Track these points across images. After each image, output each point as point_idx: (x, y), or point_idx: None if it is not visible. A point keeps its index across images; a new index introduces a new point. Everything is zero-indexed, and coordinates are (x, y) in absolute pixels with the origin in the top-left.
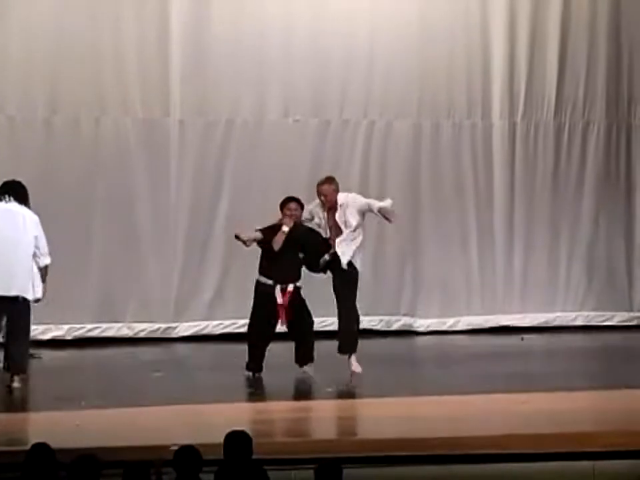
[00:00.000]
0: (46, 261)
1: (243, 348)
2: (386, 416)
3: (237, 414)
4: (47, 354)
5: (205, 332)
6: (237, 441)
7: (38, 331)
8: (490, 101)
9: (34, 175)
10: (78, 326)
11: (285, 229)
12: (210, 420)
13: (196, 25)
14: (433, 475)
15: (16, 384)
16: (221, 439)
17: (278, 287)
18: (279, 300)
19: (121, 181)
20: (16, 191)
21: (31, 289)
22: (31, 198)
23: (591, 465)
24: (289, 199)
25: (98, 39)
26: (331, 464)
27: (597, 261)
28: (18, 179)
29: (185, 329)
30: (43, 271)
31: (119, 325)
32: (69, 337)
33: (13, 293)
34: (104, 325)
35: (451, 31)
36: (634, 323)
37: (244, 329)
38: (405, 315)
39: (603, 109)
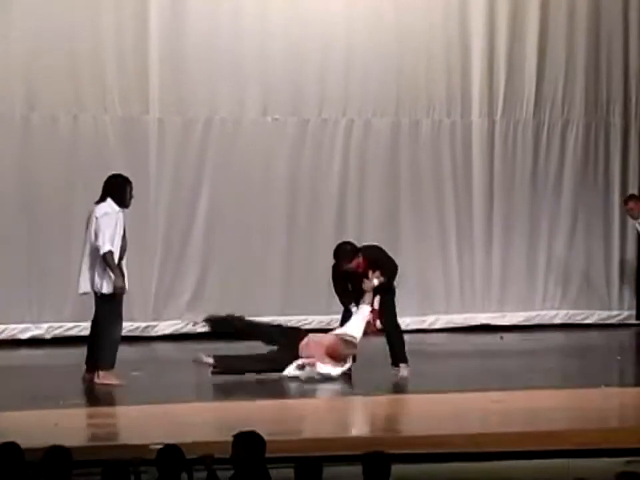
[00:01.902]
0: (101, 250)
1: (221, 346)
2: (363, 414)
3: (216, 413)
4: (25, 353)
5: (184, 330)
6: (251, 441)
7: (17, 330)
8: (469, 99)
9: (12, 172)
10: (57, 325)
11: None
12: (188, 419)
13: (174, 23)
14: (407, 474)
15: (98, 379)
16: (199, 438)
17: None
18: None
19: (100, 178)
20: (103, 188)
21: (89, 284)
22: (8, 195)
23: (566, 462)
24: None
25: (76, 36)
26: (311, 462)
27: (575, 260)
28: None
29: (164, 327)
30: (105, 262)
31: None
32: (48, 336)
33: (79, 291)
34: (83, 324)
35: (429, 29)
36: (612, 321)
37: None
38: None
39: (582, 107)
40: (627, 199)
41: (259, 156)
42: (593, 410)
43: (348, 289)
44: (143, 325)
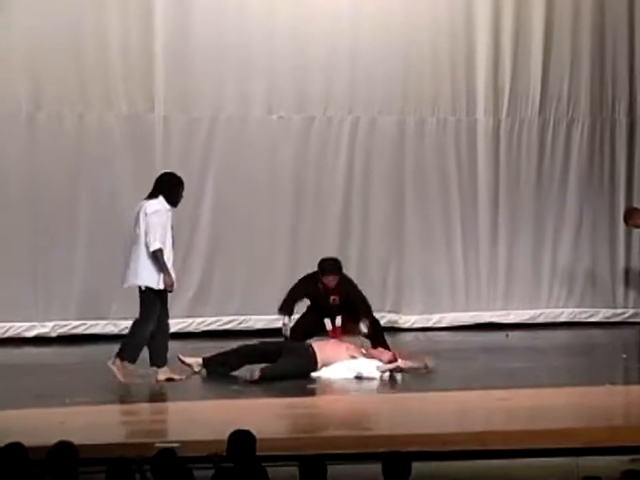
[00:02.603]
0: (151, 247)
1: (226, 345)
2: (368, 413)
3: (222, 411)
4: (31, 351)
5: (188, 329)
6: (242, 440)
7: (23, 328)
8: (474, 98)
9: (18, 170)
10: (63, 323)
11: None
12: (193, 417)
13: (180, 20)
14: (413, 472)
15: (160, 376)
16: (205, 436)
17: None
18: None
19: (105, 177)
20: (156, 185)
21: (135, 278)
22: (14, 194)
23: (574, 461)
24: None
25: (81, 34)
26: (315, 460)
27: (580, 258)
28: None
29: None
30: (155, 260)
31: (104, 322)
32: (53, 334)
33: (124, 285)
34: (89, 322)
35: (435, 27)
36: (617, 319)
37: (228, 326)
38: (389, 311)
39: (587, 105)
40: (625, 217)
41: (264, 154)
42: (599, 408)
43: (295, 301)
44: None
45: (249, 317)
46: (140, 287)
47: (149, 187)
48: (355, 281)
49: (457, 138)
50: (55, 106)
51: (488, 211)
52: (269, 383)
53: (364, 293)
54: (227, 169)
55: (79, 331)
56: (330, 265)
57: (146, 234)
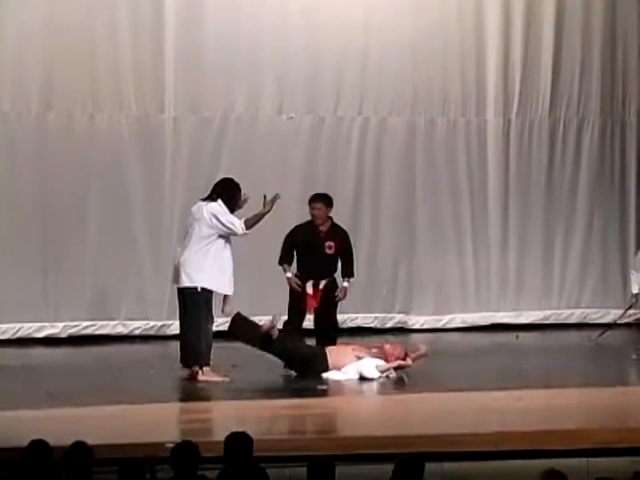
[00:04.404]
0: (239, 232)
1: (236, 346)
2: (378, 413)
3: (230, 412)
4: (41, 351)
5: None
6: (238, 442)
7: (33, 328)
8: (485, 98)
9: (28, 171)
10: (73, 323)
11: None
12: (204, 417)
13: (190, 21)
14: (426, 472)
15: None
16: (217, 437)
17: None
18: None
19: (116, 177)
20: (214, 188)
21: (187, 279)
22: (24, 195)
23: (585, 461)
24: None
25: (92, 35)
26: (324, 461)
27: (591, 258)
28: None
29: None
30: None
31: (114, 322)
32: (64, 335)
33: (180, 285)
34: (99, 323)
35: (445, 28)
36: (628, 320)
37: None
38: (399, 312)
39: (597, 105)
40: None
41: (275, 154)
42: (612, 409)
43: (292, 247)
44: (159, 324)
45: (258, 317)
46: (189, 288)
47: (158, 188)
48: (365, 281)
49: (467, 139)
50: (65, 106)
51: (498, 211)
52: (280, 383)
53: (372, 294)
54: (237, 169)
55: (89, 331)
56: (317, 194)
57: (217, 227)
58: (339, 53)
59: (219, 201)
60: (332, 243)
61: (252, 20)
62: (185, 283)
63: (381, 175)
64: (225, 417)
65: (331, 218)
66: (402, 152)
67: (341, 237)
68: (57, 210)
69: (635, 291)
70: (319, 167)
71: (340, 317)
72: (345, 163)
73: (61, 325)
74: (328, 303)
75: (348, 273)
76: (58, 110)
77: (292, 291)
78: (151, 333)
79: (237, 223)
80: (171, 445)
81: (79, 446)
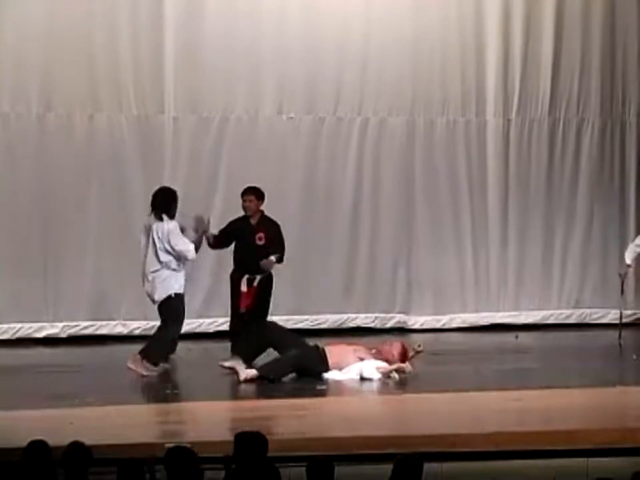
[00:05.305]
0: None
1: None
2: (377, 413)
3: (230, 412)
4: (41, 351)
5: (199, 330)
6: (252, 441)
7: (33, 328)
8: (484, 98)
9: (28, 171)
10: (73, 324)
11: None
12: (204, 417)
13: (190, 21)
14: (425, 472)
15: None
16: (217, 437)
17: None
18: None
19: (116, 177)
20: (152, 202)
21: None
22: (24, 194)
23: (585, 462)
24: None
25: (92, 35)
26: (323, 461)
27: (591, 258)
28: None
29: None
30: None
31: (114, 322)
32: (63, 335)
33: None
34: (98, 323)
35: (445, 28)
36: (627, 320)
37: None
38: (399, 312)
39: (597, 105)
40: None
41: (274, 154)
42: (611, 409)
43: (224, 234)
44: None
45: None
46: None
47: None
48: (365, 281)
49: (466, 139)
50: (65, 107)
51: (498, 212)
52: (278, 383)
53: (373, 293)
54: (236, 170)
55: (88, 331)
56: (248, 187)
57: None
58: (339, 53)
59: (166, 217)
60: (262, 234)
61: (252, 20)
62: (162, 296)
63: (381, 175)
64: (225, 417)
65: (262, 211)
66: (401, 152)
67: (270, 227)
68: (56, 210)
69: (628, 261)
70: (318, 167)
71: (340, 317)
72: (345, 163)
73: (61, 325)
74: (262, 302)
75: (276, 256)
76: (58, 110)
77: (231, 289)
78: (151, 333)
79: (191, 251)
80: (170, 446)
81: (78, 446)
